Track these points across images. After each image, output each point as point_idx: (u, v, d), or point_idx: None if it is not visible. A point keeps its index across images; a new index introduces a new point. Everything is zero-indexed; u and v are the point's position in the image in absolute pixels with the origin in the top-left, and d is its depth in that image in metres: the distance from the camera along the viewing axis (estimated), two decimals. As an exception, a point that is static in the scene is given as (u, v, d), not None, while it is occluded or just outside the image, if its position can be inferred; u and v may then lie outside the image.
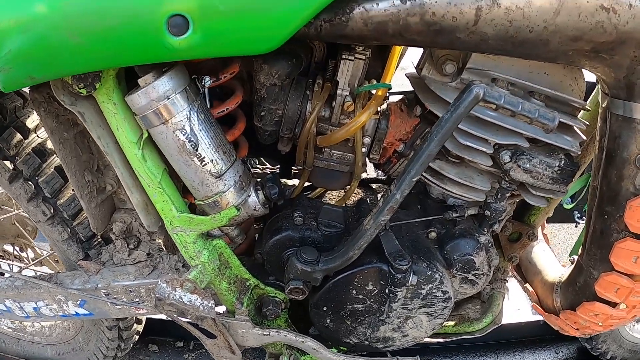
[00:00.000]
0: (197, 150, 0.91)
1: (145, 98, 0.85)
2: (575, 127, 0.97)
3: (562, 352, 1.97)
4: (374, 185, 1.30)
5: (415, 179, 0.86)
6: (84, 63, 0.81)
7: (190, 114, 0.87)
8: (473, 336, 1.30)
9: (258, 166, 1.41)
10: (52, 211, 1.27)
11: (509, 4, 0.75)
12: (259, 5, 0.74)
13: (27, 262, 1.83)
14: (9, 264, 1.80)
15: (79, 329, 1.66)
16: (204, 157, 0.92)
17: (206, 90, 0.91)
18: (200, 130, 0.89)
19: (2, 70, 0.78)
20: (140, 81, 0.86)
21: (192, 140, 0.89)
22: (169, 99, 0.85)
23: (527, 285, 1.38)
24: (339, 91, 1.01)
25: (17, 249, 1.85)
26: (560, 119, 0.93)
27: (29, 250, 1.85)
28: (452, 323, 1.35)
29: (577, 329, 1.18)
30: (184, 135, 0.89)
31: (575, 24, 0.76)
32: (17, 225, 1.68)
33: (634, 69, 0.82)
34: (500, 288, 1.31)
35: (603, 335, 1.72)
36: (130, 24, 0.75)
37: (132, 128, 0.94)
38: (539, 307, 1.29)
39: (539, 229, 1.43)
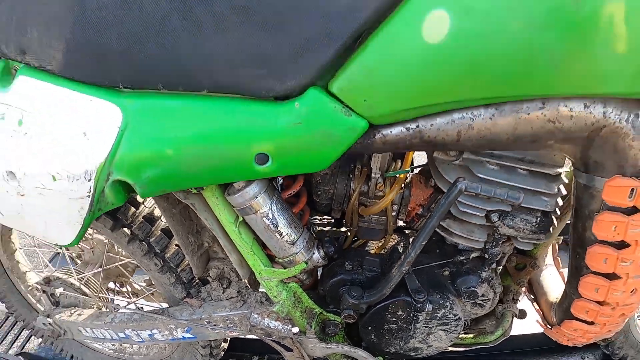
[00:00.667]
0: (277, 228, 1.28)
1: (241, 198, 1.20)
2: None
3: (587, 357, 2.15)
4: (406, 231, 1.67)
5: (424, 243, 1.24)
6: (198, 182, 1.13)
7: (271, 206, 1.24)
8: (486, 346, 1.59)
9: (317, 217, 1.79)
10: (161, 263, 1.58)
11: (480, 127, 0.99)
12: (313, 147, 1.01)
13: (127, 296, 2.20)
14: (112, 300, 2.13)
15: (175, 348, 1.94)
16: (282, 232, 1.29)
17: (279, 185, 1.35)
18: (279, 216, 1.27)
19: (142, 187, 1.10)
20: (235, 185, 1.20)
21: (274, 223, 1.26)
22: (257, 198, 1.20)
23: (535, 304, 1.63)
24: (372, 174, 1.40)
25: (118, 285, 2.18)
26: (536, 188, 1.20)
27: (127, 286, 2.22)
28: (472, 335, 1.62)
29: (568, 340, 1.47)
30: (268, 220, 1.25)
31: (530, 133, 0.98)
32: (120, 267, 2.03)
33: (585, 152, 1.02)
34: (510, 307, 1.57)
35: (619, 342, 1.96)
36: (230, 161, 1.05)
37: (230, 213, 1.28)
38: (542, 322, 1.58)
39: (550, 254, 1.70)
